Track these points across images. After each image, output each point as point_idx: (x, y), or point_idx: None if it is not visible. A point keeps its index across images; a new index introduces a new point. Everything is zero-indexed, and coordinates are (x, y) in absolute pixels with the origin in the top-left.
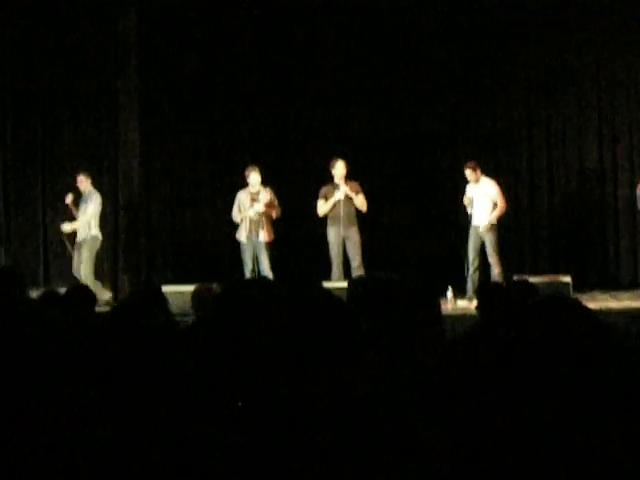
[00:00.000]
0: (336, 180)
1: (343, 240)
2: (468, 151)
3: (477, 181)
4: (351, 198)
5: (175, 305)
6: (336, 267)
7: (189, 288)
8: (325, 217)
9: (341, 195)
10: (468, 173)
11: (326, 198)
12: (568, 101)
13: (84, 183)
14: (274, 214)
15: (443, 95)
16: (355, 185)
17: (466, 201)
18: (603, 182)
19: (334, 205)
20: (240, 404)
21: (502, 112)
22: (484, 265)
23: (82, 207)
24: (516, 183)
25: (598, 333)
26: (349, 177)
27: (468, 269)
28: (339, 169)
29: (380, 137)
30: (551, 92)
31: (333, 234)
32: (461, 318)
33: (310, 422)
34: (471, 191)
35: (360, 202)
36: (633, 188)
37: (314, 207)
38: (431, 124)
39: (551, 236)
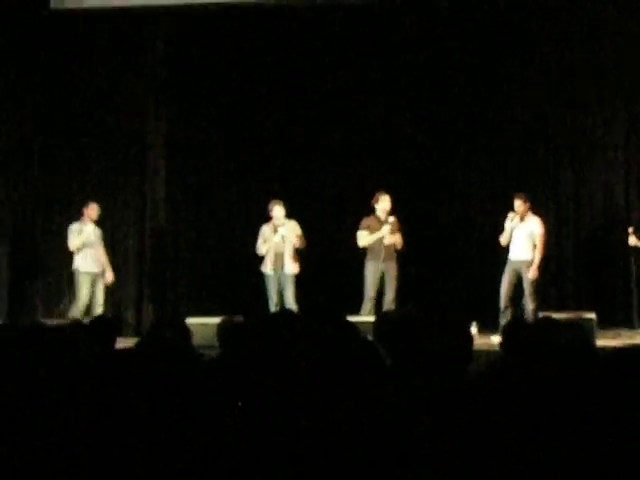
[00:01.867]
0: (380, 214)
1: (381, 274)
2: (497, 186)
3: (524, 214)
4: (392, 232)
5: (199, 337)
6: (369, 301)
7: (213, 320)
8: (361, 250)
9: (386, 231)
10: (517, 204)
11: (369, 230)
12: (595, 137)
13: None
14: (298, 244)
15: (471, 141)
16: (396, 222)
17: (507, 229)
18: (629, 218)
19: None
20: (243, 408)
21: (529, 148)
22: (518, 301)
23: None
24: (543, 218)
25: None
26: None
27: (501, 305)
28: (385, 203)
29: (413, 171)
30: (577, 126)
31: (372, 267)
32: (485, 353)
33: (333, 457)
34: (514, 222)
35: (399, 240)
36: None
37: (342, 240)
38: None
39: (577, 273)
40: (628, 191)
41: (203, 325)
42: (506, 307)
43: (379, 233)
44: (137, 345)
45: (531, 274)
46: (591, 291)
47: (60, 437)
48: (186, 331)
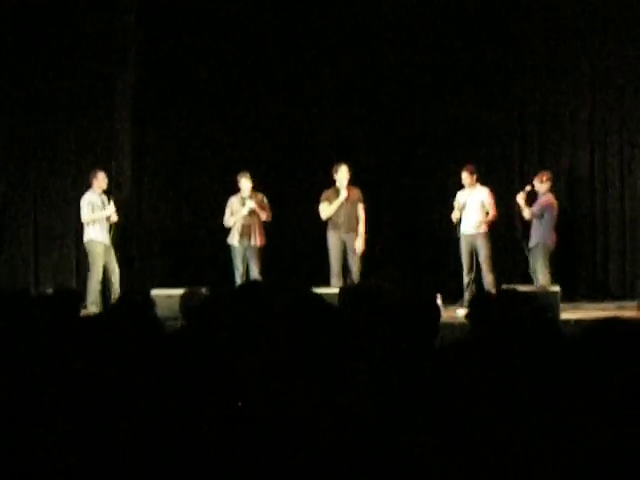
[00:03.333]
0: (338, 184)
1: (343, 245)
2: (459, 156)
3: (472, 186)
4: (353, 203)
5: (164, 308)
6: (335, 273)
7: (178, 292)
8: (324, 222)
9: (342, 199)
10: (465, 176)
11: (329, 201)
12: (561, 111)
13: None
14: (264, 216)
15: (438, 101)
16: (357, 192)
17: (457, 206)
18: (593, 192)
19: (337, 209)
20: (240, 404)
21: (495, 120)
22: (478, 273)
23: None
24: (507, 192)
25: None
26: (351, 183)
27: (464, 279)
28: (343, 173)
29: (375, 143)
30: (545, 100)
31: (333, 239)
32: (450, 326)
33: (298, 429)
34: (463, 196)
35: (361, 209)
36: (623, 199)
37: (308, 212)
38: (426, 128)
39: None
40: (592, 167)
41: (168, 297)
42: (468, 281)
43: (337, 201)
44: (100, 314)
45: (479, 242)
46: (556, 264)
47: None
48: (150, 302)
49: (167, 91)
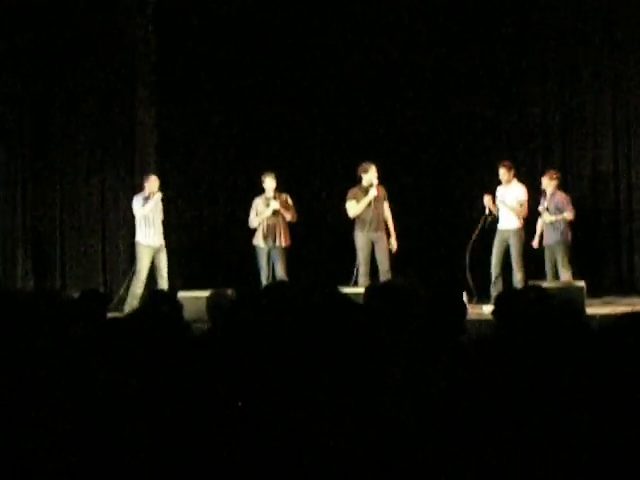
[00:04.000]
0: (366, 183)
1: (372, 244)
2: (485, 153)
3: (509, 182)
4: (380, 202)
5: (190, 310)
6: (364, 272)
7: (204, 294)
8: (351, 221)
9: (372, 197)
10: (502, 172)
11: (356, 199)
12: (583, 105)
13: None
14: (289, 217)
15: (462, 100)
16: (383, 190)
17: (490, 203)
18: (618, 186)
19: (366, 208)
20: (240, 404)
21: (517, 115)
22: (508, 270)
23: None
24: (531, 187)
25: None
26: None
27: (492, 275)
28: (373, 173)
29: (400, 142)
30: (568, 94)
31: (362, 238)
32: (477, 323)
33: (326, 427)
34: (501, 193)
35: (387, 209)
36: None
37: (333, 211)
38: (449, 127)
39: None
40: (617, 162)
41: (195, 298)
42: (497, 277)
43: (366, 199)
44: (128, 317)
45: (512, 239)
46: (580, 259)
47: (51, 407)
48: (178, 304)
49: (191, 91)
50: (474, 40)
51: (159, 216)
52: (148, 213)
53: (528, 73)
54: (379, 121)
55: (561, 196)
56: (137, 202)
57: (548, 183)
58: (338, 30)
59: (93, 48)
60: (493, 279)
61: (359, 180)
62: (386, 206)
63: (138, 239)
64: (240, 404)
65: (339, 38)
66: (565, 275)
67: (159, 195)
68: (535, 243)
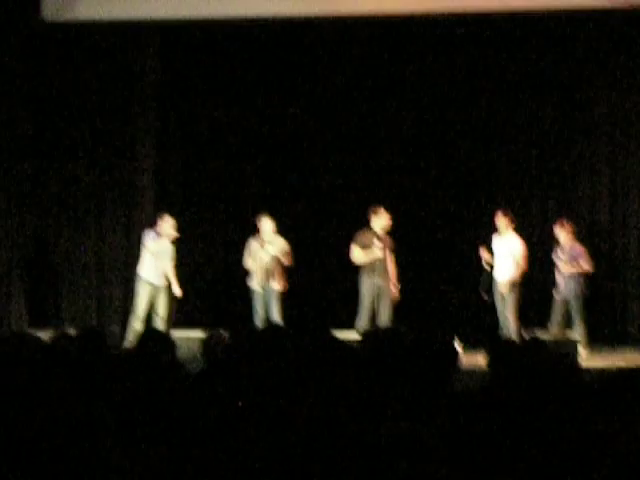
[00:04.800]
0: (377, 230)
1: (377, 291)
2: (479, 202)
3: (506, 229)
4: (388, 250)
5: (184, 350)
6: (365, 317)
7: (198, 333)
8: (351, 265)
9: (378, 251)
10: (497, 218)
11: (363, 245)
12: (580, 155)
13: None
14: (286, 262)
15: (459, 145)
16: (390, 240)
17: (486, 256)
18: (613, 237)
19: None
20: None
21: (513, 165)
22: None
23: None
24: (528, 236)
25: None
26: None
27: (500, 319)
28: (383, 220)
29: (396, 187)
30: (564, 144)
31: (368, 284)
32: (471, 372)
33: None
34: (496, 243)
35: (391, 259)
36: None
37: (331, 254)
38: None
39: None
40: (612, 210)
41: (188, 339)
42: (503, 322)
43: (372, 253)
44: (122, 357)
45: (505, 290)
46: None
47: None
48: (172, 345)
49: (190, 133)
50: (471, 88)
51: (167, 258)
52: (156, 250)
53: (528, 120)
54: (378, 166)
55: (578, 247)
56: (149, 237)
57: (560, 232)
58: (342, 73)
59: (94, 95)
60: (501, 324)
61: (367, 224)
62: (390, 257)
63: (139, 273)
64: (240, 404)
65: (339, 80)
66: (581, 328)
67: (173, 237)
68: (557, 296)
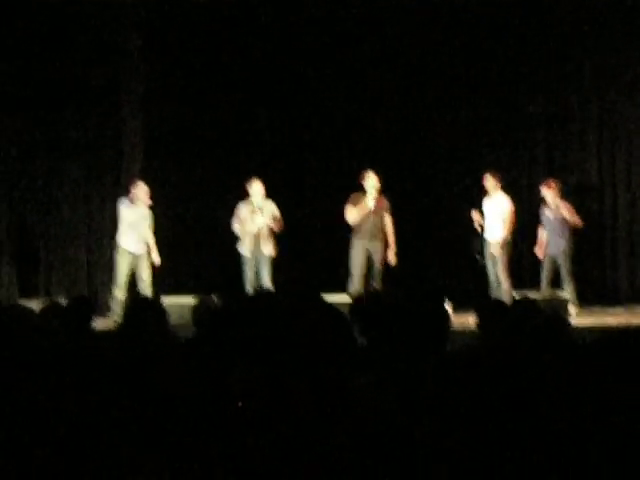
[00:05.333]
0: (369, 190)
1: (367, 253)
2: (468, 166)
3: (494, 190)
4: (379, 213)
5: (175, 317)
6: (357, 280)
7: (189, 300)
8: (344, 227)
9: (372, 204)
10: (487, 181)
11: (355, 206)
12: (568, 117)
13: None
14: (276, 227)
15: (450, 112)
16: (385, 201)
17: (478, 217)
18: (602, 197)
19: (365, 217)
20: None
21: (501, 126)
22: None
23: None
24: (516, 197)
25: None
26: (380, 192)
27: (490, 280)
28: (373, 181)
29: (384, 150)
30: (551, 105)
31: (357, 247)
32: (461, 333)
33: (308, 436)
34: (486, 205)
35: (389, 221)
36: (630, 205)
37: (326, 217)
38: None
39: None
40: (601, 170)
41: (179, 305)
42: (494, 282)
43: (363, 210)
44: (115, 329)
45: (495, 250)
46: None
47: (37, 418)
48: (163, 312)
49: (178, 96)
50: (455, 54)
51: (144, 224)
52: (132, 218)
53: (514, 83)
54: (370, 129)
55: (565, 204)
56: (123, 205)
57: (547, 192)
58: (332, 37)
59: (79, 54)
60: (491, 285)
61: (361, 187)
62: (388, 218)
63: (118, 242)
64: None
65: (329, 42)
66: (570, 286)
67: (147, 203)
68: (540, 253)
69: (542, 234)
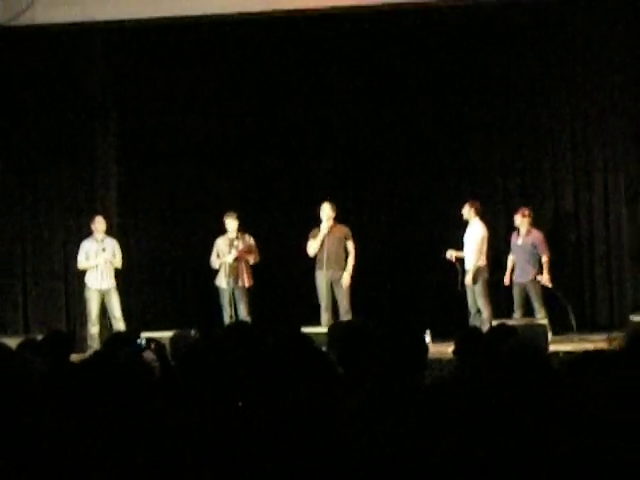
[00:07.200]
0: (323, 220)
1: (330, 282)
2: (444, 193)
3: (471, 219)
4: (337, 240)
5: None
6: (324, 311)
7: (167, 334)
8: (313, 260)
9: (322, 234)
10: (464, 209)
11: (314, 238)
12: (544, 146)
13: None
14: (252, 260)
15: (430, 137)
16: (343, 229)
17: (454, 254)
18: (578, 224)
19: (321, 247)
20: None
21: (478, 155)
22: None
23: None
24: (494, 224)
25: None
26: (339, 221)
27: (470, 313)
28: (325, 211)
29: (363, 179)
30: (527, 133)
31: (319, 276)
32: (439, 361)
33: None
34: (465, 235)
35: (351, 246)
36: (608, 229)
37: (298, 252)
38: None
39: None
40: (577, 196)
41: (158, 339)
42: (474, 312)
43: (319, 237)
44: (87, 361)
45: (467, 279)
46: (544, 297)
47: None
48: (139, 344)
49: (151, 131)
50: (432, 81)
51: (107, 259)
52: (89, 248)
53: (489, 111)
54: (342, 161)
55: (536, 235)
56: (80, 255)
57: (521, 221)
58: (298, 71)
59: (54, 98)
60: (472, 316)
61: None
62: (349, 245)
63: (86, 282)
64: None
65: (296, 79)
66: (540, 312)
67: (105, 239)
68: (506, 280)
69: (511, 262)
